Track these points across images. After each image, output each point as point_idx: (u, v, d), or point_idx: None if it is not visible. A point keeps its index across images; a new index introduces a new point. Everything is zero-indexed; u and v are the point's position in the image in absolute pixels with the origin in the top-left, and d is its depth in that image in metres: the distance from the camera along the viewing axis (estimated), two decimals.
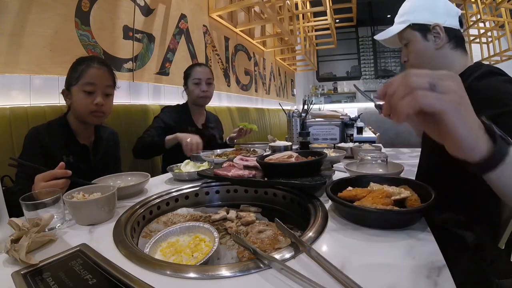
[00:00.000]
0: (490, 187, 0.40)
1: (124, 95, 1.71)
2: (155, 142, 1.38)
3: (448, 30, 0.83)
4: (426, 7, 0.84)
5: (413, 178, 0.68)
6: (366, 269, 0.40)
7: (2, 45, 1.13)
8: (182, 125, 1.53)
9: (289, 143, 1.48)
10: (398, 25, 0.89)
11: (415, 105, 0.33)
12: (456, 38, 0.84)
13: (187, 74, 1.62)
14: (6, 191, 0.61)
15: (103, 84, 1.01)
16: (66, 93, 1.02)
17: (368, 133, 3.08)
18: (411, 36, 0.87)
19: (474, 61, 0.85)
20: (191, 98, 1.62)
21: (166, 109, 1.59)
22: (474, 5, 4.18)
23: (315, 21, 4.91)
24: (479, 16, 4.03)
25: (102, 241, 0.52)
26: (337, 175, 0.85)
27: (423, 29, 0.84)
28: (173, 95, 2.07)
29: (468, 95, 0.36)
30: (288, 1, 3.66)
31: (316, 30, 5.27)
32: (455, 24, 0.84)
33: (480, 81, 0.70)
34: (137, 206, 0.68)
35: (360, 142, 1.55)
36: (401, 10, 0.91)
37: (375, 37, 1.00)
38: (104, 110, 1.02)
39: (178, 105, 1.66)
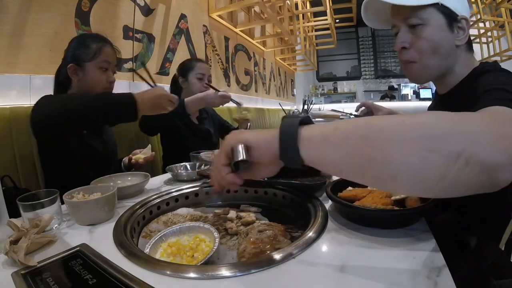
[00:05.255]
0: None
1: None
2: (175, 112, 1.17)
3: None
4: None
5: None
6: (366, 269, 0.40)
7: (2, 45, 1.13)
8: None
9: None
10: None
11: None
12: (470, 42, 0.72)
13: (187, 68, 1.58)
14: (6, 191, 0.61)
15: (114, 63, 1.06)
16: (76, 68, 0.99)
17: None
18: (433, 18, 0.65)
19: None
20: (191, 92, 1.54)
21: None
22: (474, 5, 4.18)
23: (315, 21, 4.91)
24: (479, 16, 4.03)
25: (102, 241, 0.52)
26: None
27: (451, 16, 0.66)
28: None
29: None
30: (288, 1, 3.66)
31: (316, 30, 5.27)
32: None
33: (477, 80, 0.63)
34: (137, 206, 0.68)
35: None
36: None
37: (367, 1, 0.73)
38: (112, 87, 1.06)
39: None
